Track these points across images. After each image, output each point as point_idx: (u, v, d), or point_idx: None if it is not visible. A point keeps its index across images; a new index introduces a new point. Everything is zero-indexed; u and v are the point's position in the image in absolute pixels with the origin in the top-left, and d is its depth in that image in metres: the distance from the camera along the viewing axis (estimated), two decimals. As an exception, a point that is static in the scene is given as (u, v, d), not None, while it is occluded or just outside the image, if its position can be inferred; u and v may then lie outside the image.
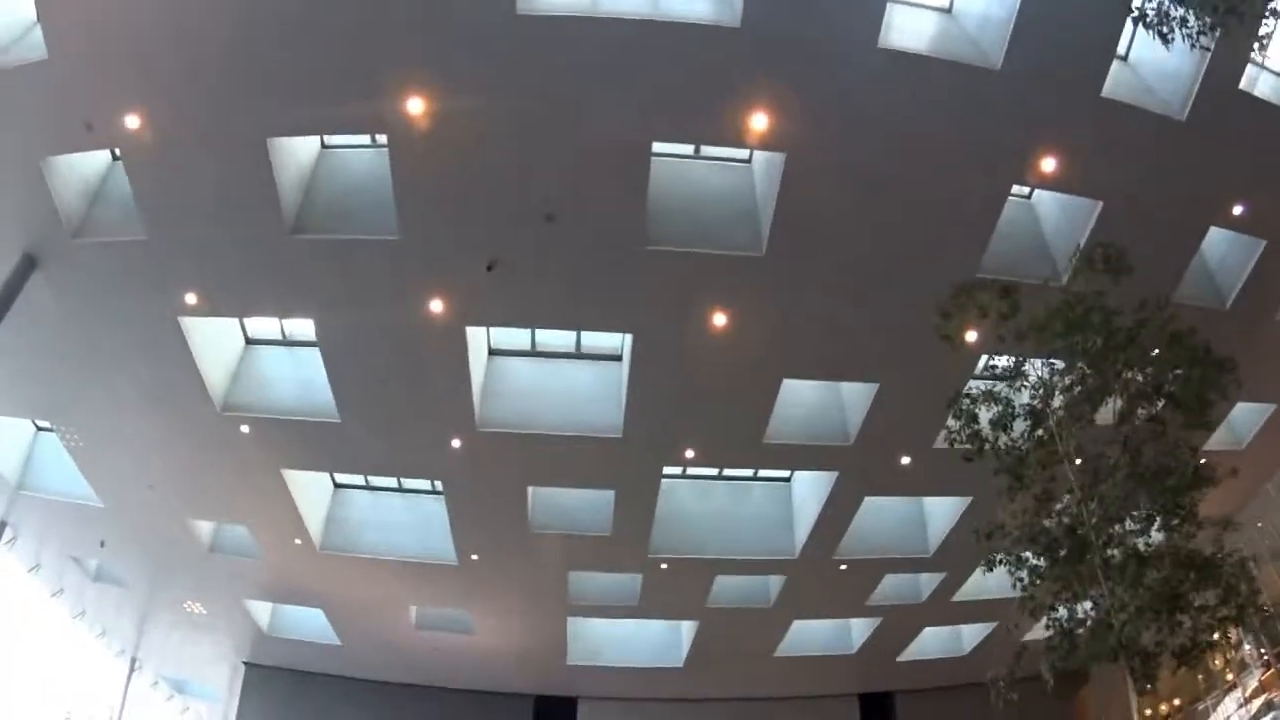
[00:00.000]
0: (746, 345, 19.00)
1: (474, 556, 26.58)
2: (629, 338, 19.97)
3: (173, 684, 42.76)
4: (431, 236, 16.88)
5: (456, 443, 21.75)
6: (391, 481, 27.19)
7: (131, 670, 39.05)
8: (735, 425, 21.71)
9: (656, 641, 34.29)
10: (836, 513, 25.09)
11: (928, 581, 30.29)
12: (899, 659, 35.65)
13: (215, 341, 20.71)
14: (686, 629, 32.96)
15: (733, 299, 18.07)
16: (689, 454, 22.60)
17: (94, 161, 17.29)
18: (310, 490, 25.75)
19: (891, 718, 39.69)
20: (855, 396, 21.87)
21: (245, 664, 35.79)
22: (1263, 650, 31.23)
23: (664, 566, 26.86)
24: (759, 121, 15.07)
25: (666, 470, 25.27)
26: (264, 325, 21.74)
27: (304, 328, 20.66)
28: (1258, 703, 30.88)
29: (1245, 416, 24.75)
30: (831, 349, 19.70)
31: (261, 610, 32.70)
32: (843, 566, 27.54)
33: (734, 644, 32.45)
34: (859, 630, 33.92)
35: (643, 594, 28.80)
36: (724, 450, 23.08)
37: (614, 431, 21.26)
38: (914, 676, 37.48)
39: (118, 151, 16.77)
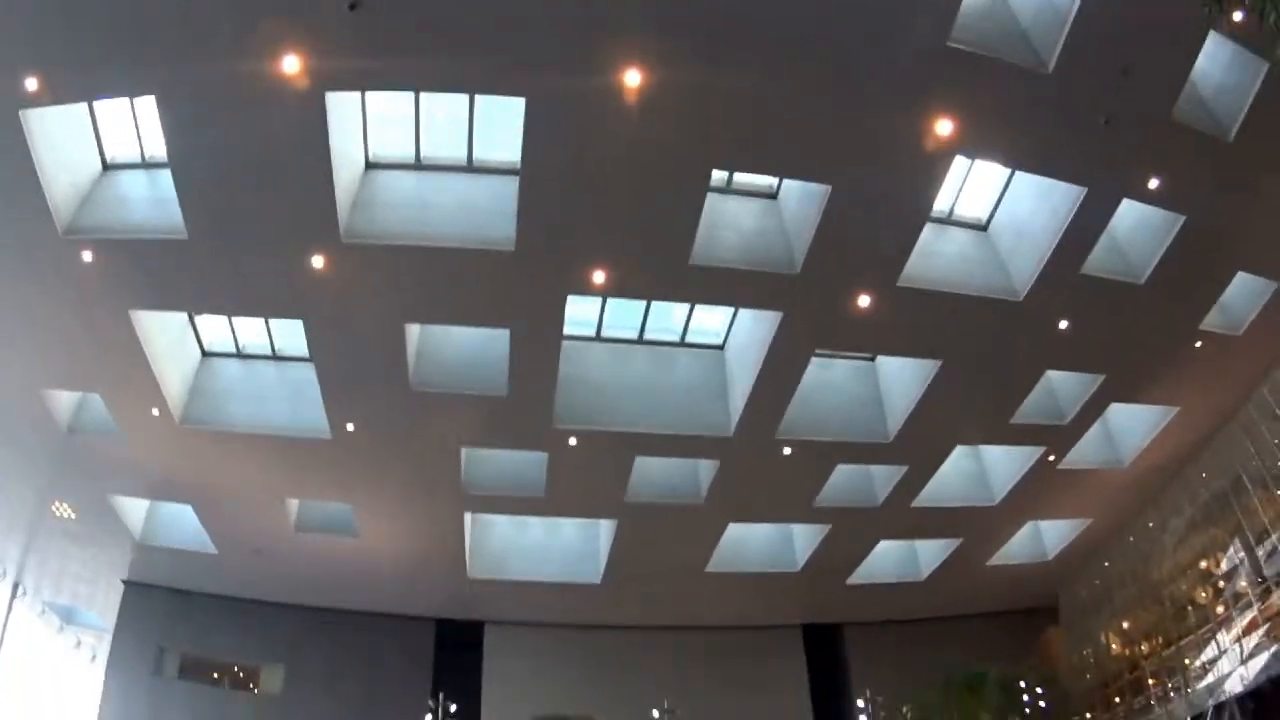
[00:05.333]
0: (667, 120, 16.15)
1: (349, 427, 23.70)
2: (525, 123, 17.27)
3: (61, 613, 41.14)
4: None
5: (318, 261, 18.72)
6: (265, 348, 24.55)
7: (14, 595, 36.90)
8: (654, 238, 18.77)
9: (570, 551, 31.80)
10: (779, 374, 22.50)
11: (885, 479, 28.02)
12: (849, 581, 33.45)
13: (66, 160, 18.03)
14: (604, 534, 30.39)
15: (650, 50, 15.09)
16: (598, 278, 19.49)
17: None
18: (173, 355, 23.13)
19: (839, 653, 37.91)
20: (803, 213, 19.07)
21: (124, 583, 33.72)
22: (1262, 578, 29.60)
23: (573, 442, 24.08)
24: None
25: (576, 330, 23.10)
26: (123, 150, 19.03)
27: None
28: (1254, 639, 29.17)
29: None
30: (771, 130, 16.78)
31: (134, 513, 30.13)
32: (786, 450, 24.96)
33: (659, 554, 29.96)
34: (804, 541, 31.52)
35: (549, 481, 26.06)
36: (641, 273, 19.95)
37: (506, 244, 18.43)
38: (864, 606, 35.44)
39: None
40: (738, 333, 23.72)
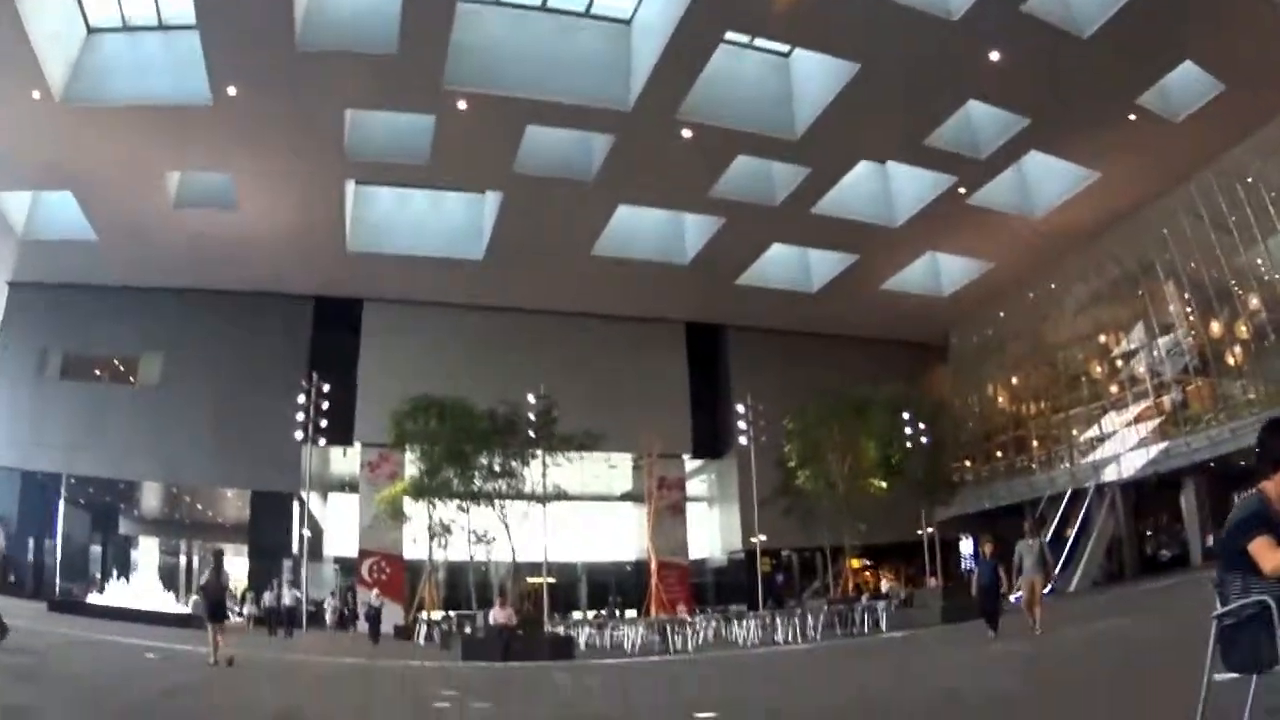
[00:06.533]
0: None
1: (231, 91, 22.44)
2: None
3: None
4: None
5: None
6: (152, 18, 22.93)
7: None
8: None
9: (454, 226, 31.21)
10: (687, 50, 21.55)
11: (786, 180, 27.51)
12: (738, 282, 33.51)
13: None
14: (490, 207, 29.65)
15: None
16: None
17: None
18: (57, 35, 21.68)
19: (721, 355, 38.50)
20: None
21: (9, 284, 32.94)
22: (1159, 375, 30.15)
23: (462, 105, 23.05)
24: None
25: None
26: None
27: None
28: (1144, 430, 29.89)
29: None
30: None
31: (16, 210, 29.10)
32: (686, 132, 24.27)
33: (545, 231, 29.42)
34: (696, 233, 31.29)
35: (435, 148, 25.06)
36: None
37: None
38: (751, 310, 35.73)
39: None
40: (648, 6, 22.46)
